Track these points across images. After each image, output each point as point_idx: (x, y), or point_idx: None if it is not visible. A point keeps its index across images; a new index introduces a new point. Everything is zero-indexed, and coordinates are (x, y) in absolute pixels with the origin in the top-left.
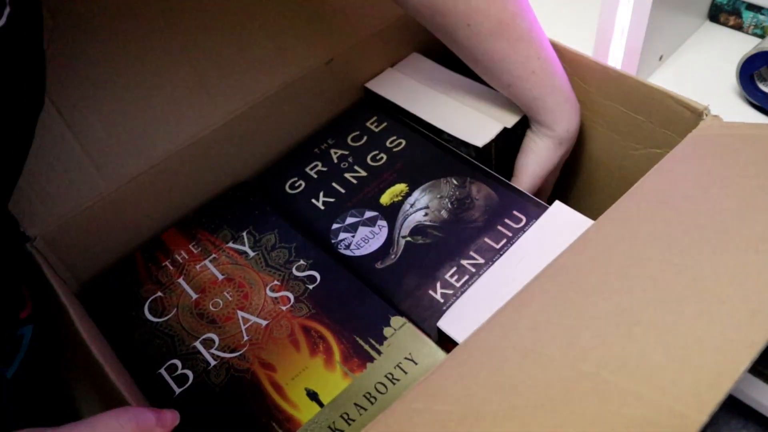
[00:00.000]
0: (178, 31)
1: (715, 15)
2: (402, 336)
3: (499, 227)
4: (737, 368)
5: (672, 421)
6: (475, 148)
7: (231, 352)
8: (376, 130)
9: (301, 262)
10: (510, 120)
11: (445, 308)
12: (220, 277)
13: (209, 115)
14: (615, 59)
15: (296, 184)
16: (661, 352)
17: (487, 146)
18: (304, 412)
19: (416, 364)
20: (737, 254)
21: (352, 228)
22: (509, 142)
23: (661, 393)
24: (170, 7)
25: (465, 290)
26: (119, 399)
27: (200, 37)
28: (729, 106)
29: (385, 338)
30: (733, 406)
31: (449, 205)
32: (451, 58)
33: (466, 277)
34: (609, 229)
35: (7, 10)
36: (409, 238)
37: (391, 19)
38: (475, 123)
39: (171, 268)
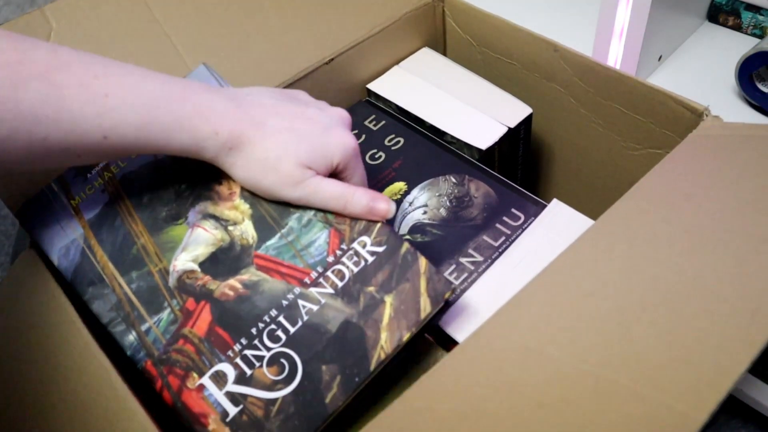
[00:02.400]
0: (178, 32)
1: (714, 15)
2: None
3: (498, 225)
4: (738, 368)
5: (672, 420)
6: (479, 150)
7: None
8: (375, 128)
9: None
10: (513, 120)
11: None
12: None
13: None
14: (614, 59)
15: None
16: (662, 351)
17: (491, 149)
18: None
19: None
20: (737, 254)
21: None
22: (512, 143)
23: (661, 392)
24: (170, 8)
25: (465, 288)
26: None
27: (200, 37)
28: (727, 106)
29: None
30: (733, 406)
31: (448, 204)
32: (463, 51)
33: (465, 275)
34: (609, 229)
35: None
36: (408, 237)
37: (395, 17)
38: (478, 125)
39: None
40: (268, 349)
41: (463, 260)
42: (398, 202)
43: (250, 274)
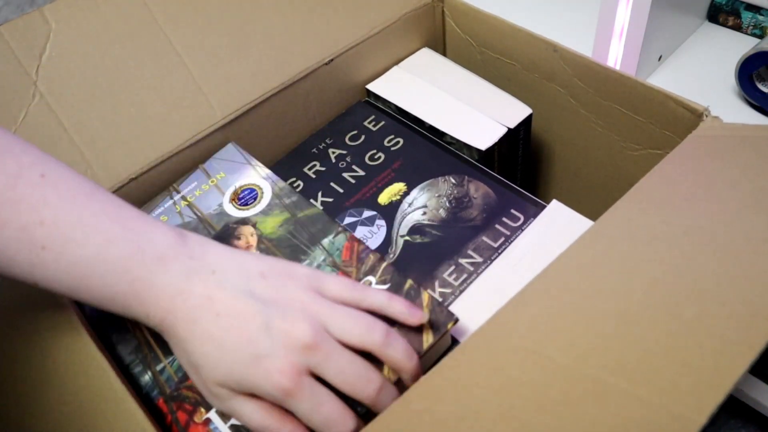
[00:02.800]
0: (177, 32)
1: (714, 15)
2: None
3: (497, 226)
4: (737, 370)
5: (671, 422)
6: (478, 151)
7: None
8: (374, 129)
9: None
10: (513, 120)
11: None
12: None
13: (208, 116)
14: (614, 59)
15: (295, 185)
16: (661, 353)
17: (490, 149)
18: None
19: None
20: (737, 256)
21: (351, 228)
22: (512, 143)
23: (660, 394)
24: (169, 8)
25: (464, 289)
26: None
27: (199, 37)
28: (727, 106)
29: None
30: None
31: (447, 204)
32: (462, 51)
33: (465, 275)
34: (609, 230)
35: None
36: (407, 237)
37: (394, 18)
38: (478, 125)
39: None
40: None
41: (462, 261)
42: (398, 203)
43: None
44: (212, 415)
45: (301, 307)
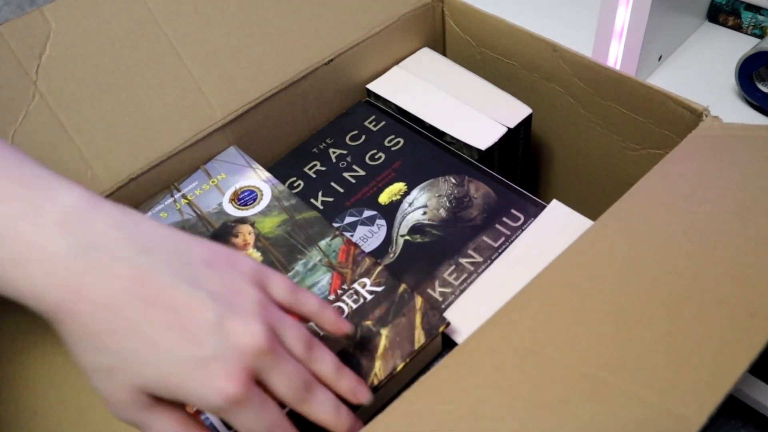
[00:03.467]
0: (177, 32)
1: (714, 15)
2: None
3: (498, 226)
4: (736, 370)
5: (671, 422)
6: (478, 150)
7: None
8: (375, 129)
9: None
10: (513, 120)
11: (444, 307)
12: None
13: (208, 116)
14: (614, 59)
15: (295, 184)
16: (660, 353)
17: (490, 149)
18: None
19: None
20: (736, 256)
21: (351, 227)
22: (512, 143)
23: (659, 394)
24: (169, 8)
25: (464, 288)
26: None
27: (199, 37)
28: (728, 106)
29: None
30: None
31: (448, 204)
32: (462, 51)
33: (465, 275)
34: (608, 230)
35: None
36: (407, 237)
37: (394, 17)
38: (478, 125)
39: None
40: None
41: (462, 261)
42: (398, 203)
43: None
44: None
45: (252, 306)
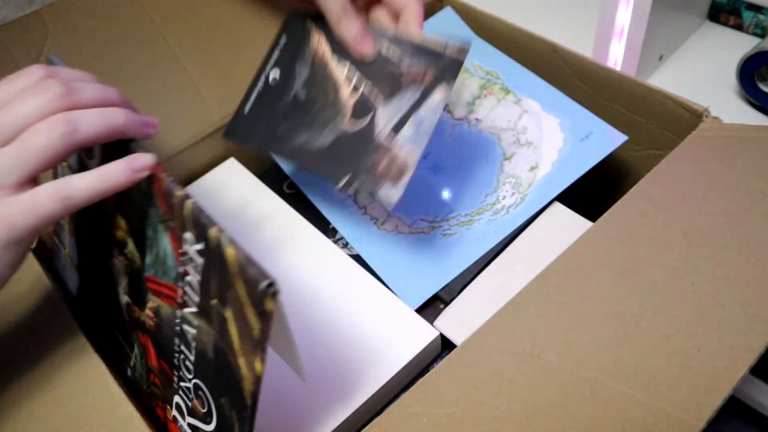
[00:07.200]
0: (175, 33)
1: (715, 15)
2: None
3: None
4: (735, 374)
5: (670, 426)
6: None
7: None
8: None
9: None
10: None
11: (443, 307)
12: None
13: (206, 118)
14: (614, 59)
15: (294, 185)
16: (660, 357)
17: None
18: None
19: None
20: (736, 258)
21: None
22: None
23: (659, 398)
24: (166, 10)
25: (464, 288)
26: None
27: (197, 39)
28: (729, 105)
29: None
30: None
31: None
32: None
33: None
34: (608, 231)
35: None
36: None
37: None
38: None
39: None
40: (189, 380)
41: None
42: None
43: (152, 301)
44: (175, 412)
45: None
